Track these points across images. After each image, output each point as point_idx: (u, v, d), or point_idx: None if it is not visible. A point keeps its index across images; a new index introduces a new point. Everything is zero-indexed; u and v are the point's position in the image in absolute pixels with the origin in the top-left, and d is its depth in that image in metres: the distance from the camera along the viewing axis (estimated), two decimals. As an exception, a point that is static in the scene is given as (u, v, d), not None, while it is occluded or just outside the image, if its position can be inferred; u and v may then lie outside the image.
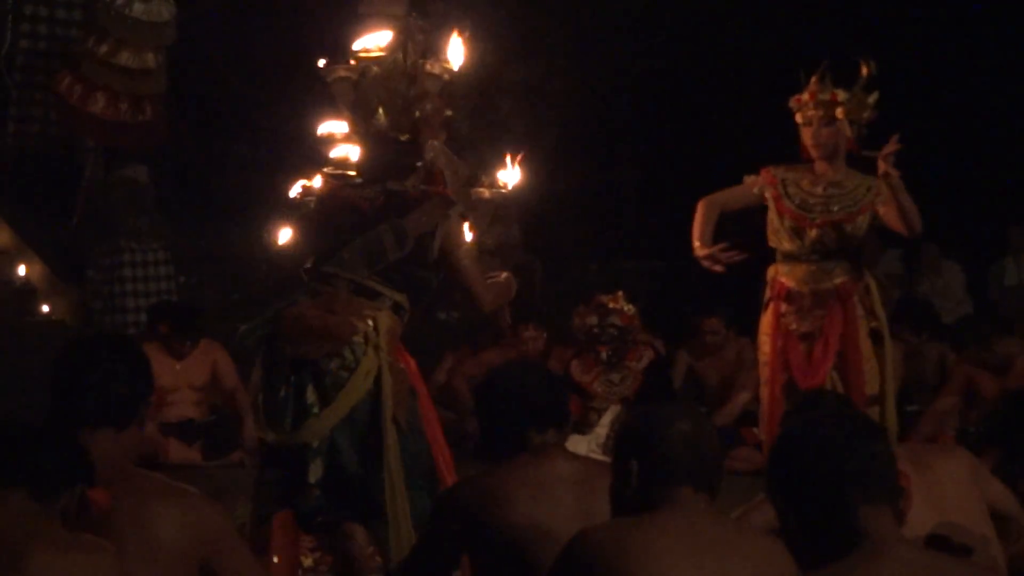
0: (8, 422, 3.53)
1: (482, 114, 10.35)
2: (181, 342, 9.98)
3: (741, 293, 12.89)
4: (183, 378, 10.02)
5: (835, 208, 6.83)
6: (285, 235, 6.73)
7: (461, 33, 6.43)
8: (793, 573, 3.40)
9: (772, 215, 6.92)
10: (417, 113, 6.15)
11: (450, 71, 6.39)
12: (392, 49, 6.37)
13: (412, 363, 6.12)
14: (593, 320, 9.19)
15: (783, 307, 6.89)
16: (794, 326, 6.83)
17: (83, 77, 10.75)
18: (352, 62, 6.80)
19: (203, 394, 10.16)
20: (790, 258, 6.91)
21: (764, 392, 7.09)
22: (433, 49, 6.49)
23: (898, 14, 14.50)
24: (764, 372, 7.07)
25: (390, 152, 6.20)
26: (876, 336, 6.92)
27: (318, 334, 5.88)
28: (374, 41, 6.91)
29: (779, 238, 6.94)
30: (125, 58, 10.62)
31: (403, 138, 6.15)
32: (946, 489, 4.44)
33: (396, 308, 6.01)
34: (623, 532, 3.55)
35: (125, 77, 10.72)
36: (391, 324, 5.95)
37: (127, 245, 11.21)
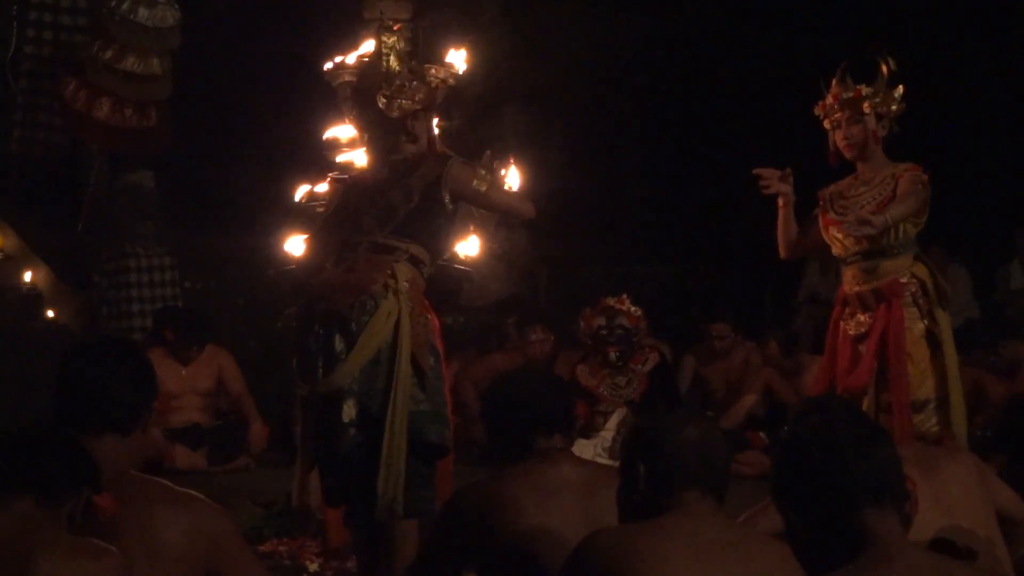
0: (12, 428, 3.52)
1: (488, 118, 10.34)
2: (187, 347, 9.99)
3: (747, 298, 12.91)
4: (189, 383, 10.03)
5: (864, 204, 6.79)
6: (295, 244, 6.81)
7: (465, 38, 6.59)
8: (799, 576, 3.40)
9: (822, 230, 6.92)
10: (378, 99, 6.31)
11: (455, 75, 6.51)
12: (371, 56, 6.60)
13: (435, 321, 6.31)
14: (601, 321, 9.19)
15: (840, 311, 6.87)
16: (852, 331, 6.79)
17: (88, 83, 10.74)
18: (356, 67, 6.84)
19: (209, 399, 10.17)
20: (843, 263, 6.89)
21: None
22: (435, 53, 6.59)
23: (903, 17, 14.49)
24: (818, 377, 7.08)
25: (386, 132, 6.42)
26: (933, 338, 6.79)
27: (341, 290, 6.14)
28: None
29: (834, 248, 6.91)
30: (130, 64, 10.62)
31: (396, 116, 6.33)
32: (952, 492, 4.43)
33: (414, 261, 6.22)
34: (631, 537, 3.54)
35: (130, 83, 10.72)
36: (410, 274, 6.18)
37: (132, 250, 11.22)
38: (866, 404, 6.61)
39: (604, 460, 8.33)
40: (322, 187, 7.04)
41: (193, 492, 3.83)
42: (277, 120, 11.83)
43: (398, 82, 6.39)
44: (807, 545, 3.22)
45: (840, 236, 6.80)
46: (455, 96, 6.75)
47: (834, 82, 6.90)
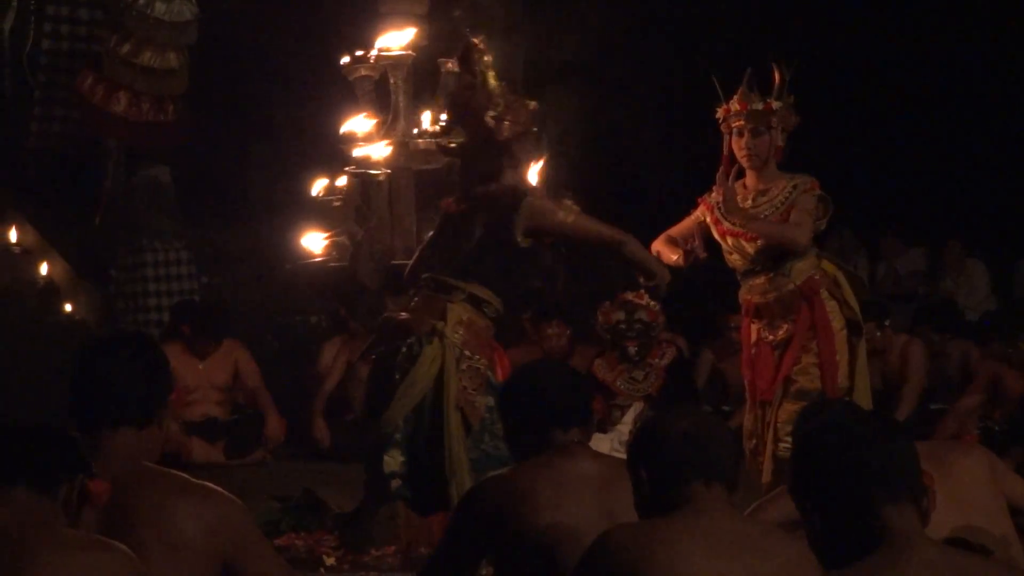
0: (1, 421, 3.52)
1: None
2: (204, 342, 10.01)
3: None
4: (205, 377, 10.04)
5: (766, 214, 6.83)
6: (312, 239, 6.85)
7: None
8: (815, 571, 3.39)
9: (718, 239, 6.95)
10: (487, 120, 6.26)
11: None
12: (457, 63, 6.56)
13: (503, 360, 6.28)
14: (620, 316, 9.17)
15: (755, 323, 6.92)
16: (770, 337, 6.87)
17: (105, 77, 10.77)
18: (373, 60, 6.84)
19: (225, 393, 10.19)
20: (746, 275, 6.95)
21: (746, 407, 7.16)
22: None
23: (923, 12, 14.46)
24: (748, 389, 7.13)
25: (476, 162, 6.39)
26: (854, 327, 6.92)
27: (395, 331, 6.14)
28: (396, 39, 6.94)
29: (730, 259, 6.99)
30: (147, 58, 10.64)
31: (479, 145, 6.28)
32: (965, 487, 4.42)
33: (474, 301, 6.16)
34: (645, 533, 3.54)
35: (147, 77, 10.74)
36: (466, 315, 6.15)
37: (149, 245, 11.23)
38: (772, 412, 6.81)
39: (621, 454, 8.28)
40: (340, 181, 7.05)
41: (210, 484, 3.83)
42: (294, 114, 11.84)
43: (503, 103, 6.32)
44: (825, 540, 3.22)
45: (746, 244, 6.83)
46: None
47: (741, 90, 6.88)
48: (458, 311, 6.10)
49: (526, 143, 6.34)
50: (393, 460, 5.99)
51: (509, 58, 7.62)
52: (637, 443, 3.78)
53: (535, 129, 6.47)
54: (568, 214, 6.26)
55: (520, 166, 6.29)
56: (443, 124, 6.76)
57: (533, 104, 6.55)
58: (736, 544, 3.51)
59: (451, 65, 6.94)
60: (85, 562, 3.26)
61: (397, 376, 6.03)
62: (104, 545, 3.31)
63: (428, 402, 5.98)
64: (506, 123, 6.24)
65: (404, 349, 6.07)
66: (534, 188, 6.44)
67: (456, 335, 6.06)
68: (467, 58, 6.46)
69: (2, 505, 3.33)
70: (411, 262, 6.57)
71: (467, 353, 6.10)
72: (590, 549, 3.59)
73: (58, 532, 3.31)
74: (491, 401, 6.03)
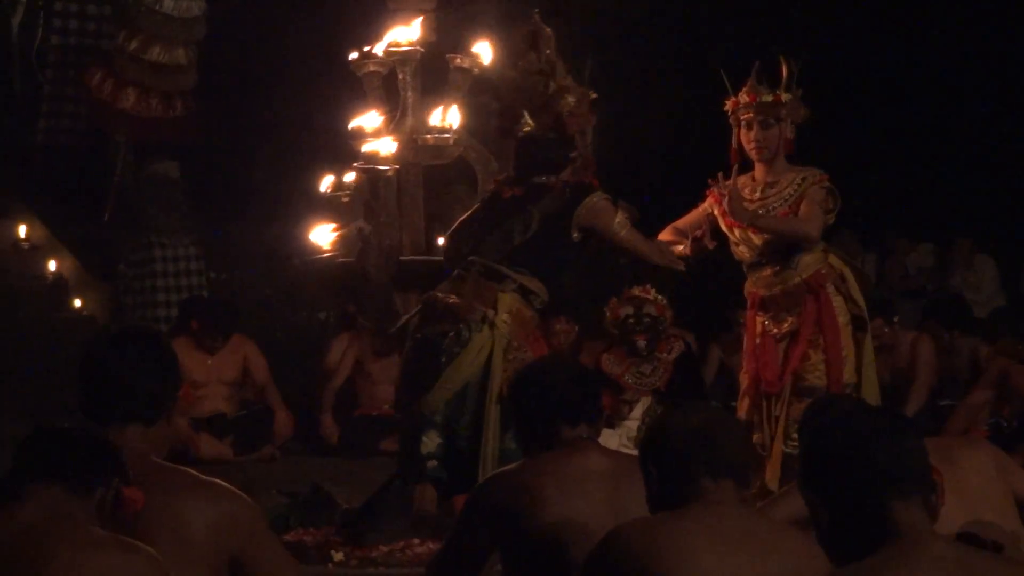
0: (45, 422, 3.53)
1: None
2: (212, 337, 10.02)
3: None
4: (214, 373, 10.06)
5: (775, 206, 6.83)
6: (321, 234, 6.85)
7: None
8: (824, 567, 3.38)
9: (725, 231, 6.94)
10: (560, 108, 6.29)
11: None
12: (525, 50, 6.57)
13: (545, 351, 6.31)
14: (629, 310, 9.19)
15: (760, 316, 6.92)
16: (774, 330, 6.87)
17: (114, 73, 10.78)
18: (382, 56, 6.84)
19: (234, 389, 10.20)
20: (753, 267, 6.95)
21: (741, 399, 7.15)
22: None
23: (930, 6, 14.44)
24: (742, 380, 7.12)
25: (539, 151, 6.44)
26: (860, 322, 6.92)
27: (442, 314, 6.15)
28: (404, 35, 6.93)
29: (737, 251, 6.99)
30: (156, 54, 10.65)
31: (551, 136, 6.30)
32: (972, 483, 4.41)
33: (524, 292, 6.17)
34: (655, 529, 3.54)
35: (156, 73, 10.75)
36: (515, 306, 6.19)
37: (158, 240, 11.24)
38: (779, 406, 6.82)
39: (629, 450, 8.31)
40: (348, 177, 7.05)
41: (218, 480, 3.83)
42: (302, 110, 11.84)
43: (574, 95, 6.36)
44: (833, 536, 3.21)
45: (753, 236, 6.83)
46: None
47: (750, 83, 6.87)
48: (508, 301, 6.15)
49: (587, 136, 6.41)
50: (430, 441, 6.05)
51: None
52: (648, 439, 3.80)
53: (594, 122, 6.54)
54: (622, 227, 6.33)
55: (585, 156, 6.36)
56: (501, 107, 6.75)
57: (594, 95, 6.59)
58: (745, 540, 3.52)
59: (459, 60, 6.93)
60: (110, 562, 3.27)
61: (443, 359, 6.06)
62: (130, 546, 3.32)
63: (473, 390, 6.02)
64: (577, 116, 6.30)
65: (452, 334, 6.10)
66: (599, 185, 6.48)
67: (505, 325, 6.11)
68: (536, 44, 6.50)
69: (37, 500, 3.35)
70: (451, 235, 6.61)
71: (514, 344, 6.15)
72: (599, 546, 3.59)
73: (86, 530, 3.32)
74: None
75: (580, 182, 6.42)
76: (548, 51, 6.56)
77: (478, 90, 6.96)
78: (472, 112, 7.24)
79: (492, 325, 6.10)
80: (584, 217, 6.27)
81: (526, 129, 6.52)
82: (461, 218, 6.75)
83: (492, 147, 7.03)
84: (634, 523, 3.64)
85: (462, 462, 5.98)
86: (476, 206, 6.74)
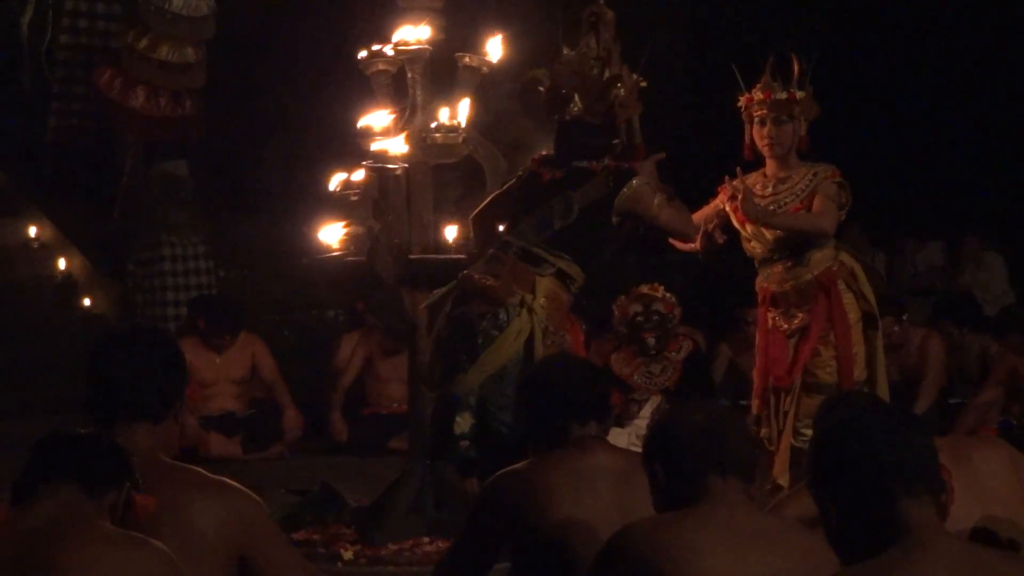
0: (59, 426, 3.55)
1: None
2: (221, 336, 10.03)
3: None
4: (223, 371, 10.07)
5: (786, 202, 6.83)
6: (330, 233, 6.84)
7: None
8: (833, 566, 3.38)
9: (737, 226, 6.95)
10: (612, 97, 6.30)
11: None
12: (586, 31, 6.58)
13: (580, 336, 6.31)
14: (637, 308, 9.19)
15: (770, 312, 6.93)
16: (784, 326, 6.87)
17: (123, 72, 10.79)
18: (392, 54, 6.83)
19: (243, 387, 10.21)
20: (764, 262, 6.96)
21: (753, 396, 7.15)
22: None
23: (940, 4, 14.44)
24: (755, 377, 7.12)
25: (583, 136, 6.47)
26: (870, 319, 6.92)
27: (478, 295, 6.16)
28: (413, 33, 6.93)
29: (749, 246, 7.00)
30: (165, 52, 10.66)
31: (596, 122, 6.31)
32: (986, 481, 4.40)
33: (561, 276, 6.20)
34: (664, 529, 3.54)
35: (165, 71, 10.75)
36: (553, 290, 6.20)
37: (167, 239, 11.25)
38: (789, 401, 6.82)
39: (638, 448, 8.30)
40: (357, 176, 7.05)
41: (226, 479, 3.83)
42: (311, 109, 11.85)
43: (625, 89, 6.36)
44: (842, 534, 3.21)
45: (765, 231, 6.83)
46: None
47: (764, 79, 6.87)
48: (546, 285, 6.16)
49: (635, 123, 6.43)
50: (464, 422, 6.06)
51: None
52: (652, 438, 3.79)
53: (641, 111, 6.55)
54: (660, 208, 6.33)
55: (620, 145, 6.37)
56: (546, 91, 6.70)
57: (644, 83, 6.60)
58: (755, 539, 3.51)
59: (468, 59, 6.93)
60: (124, 557, 3.28)
61: (480, 340, 6.07)
62: (143, 542, 3.32)
63: (511, 373, 6.02)
64: (627, 106, 6.31)
65: (490, 316, 6.10)
66: (641, 168, 6.49)
67: (543, 310, 6.12)
68: (596, 27, 6.50)
69: (51, 497, 3.36)
70: (481, 212, 6.63)
71: (551, 328, 6.16)
72: (607, 545, 3.59)
73: (99, 526, 3.33)
74: None
75: (620, 167, 6.42)
76: (607, 35, 6.57)
77: (526, 70, 6.95)
78: (483, 107, 7.24)
79: (530, 310, 6.11)
80: (624, 203, 6.28)
81: (575, 110, 6.52)
82: (492, 194, 6.74)
83: (539, 125, 7.05)
84: (643, 522, 3.64)
85: (495, 444, 5.98)
86: (510, 183, 6.73)
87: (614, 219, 6.34)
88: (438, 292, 6.52)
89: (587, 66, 6.57)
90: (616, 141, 6.54)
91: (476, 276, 6.24)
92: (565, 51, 6.64)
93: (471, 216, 6.80)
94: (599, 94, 6.47)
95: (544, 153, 6.74)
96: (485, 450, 6.03)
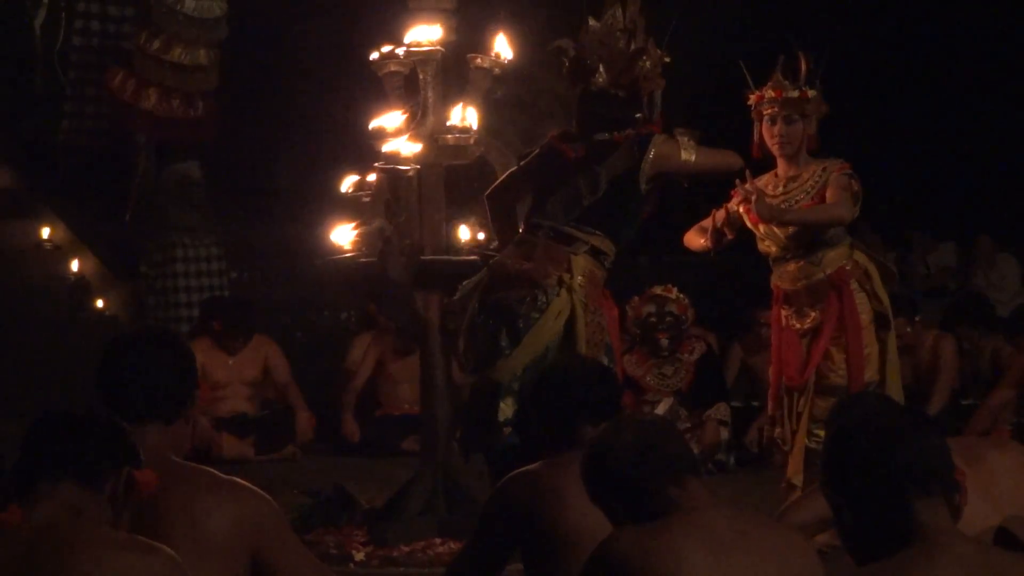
0: (47, 412, 3.52)
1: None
2: (233, 337, 10.04)
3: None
4: (236, 373, 10.08)
5: (798, 199, 6.83)
6: (342, 234, 6.83)
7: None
8: (816, 565, 3.38)
9: (750, 227, 6.94)
10: (637, 69, 6.29)
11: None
12: (608, 6, 6.58)
13: (615, 311, 6.29)
14: (650, 309, 9.20)
15: (784, 310, 6.92)
16: (797, 325, 6.87)
17: (135, 73, 10.81)
18: (403, 56, 6.83)
19: (255, 389, 10.22)
20: (778, 261, 6.96)
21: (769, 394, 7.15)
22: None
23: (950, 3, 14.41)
24: (771, 375, 7.12)
25: (606, 108, 6.46)
26: (883, 320, 6.92)
27: (514, 279, 6.16)
28: (425, 34, 6.93)
29: (763, 246, 7.00)
30: (177, 54, 10.68)
31: (620, 94, 6.29)
32: (1000, 483, 4.39)
33: (595, 253, 6.20)
34: (645, 540, 3.46)
35: (177, 73, 10.78)
36: (588, 267, 6.20)
37: (180, 240, 11.27)
38: (802, 402, 6.81)
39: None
40: (370, 177, 7.05)
41: (239, 480, 3.83)
42: (323, 110, 11.86)
43: (650, 62, 6.35)
44: (856, 535, 3.20)
45: (778, 230, 6.82)
46: None
47: (775, 77, 6.86)
48: (581, 263, 6.14)
49: (656, 98, 6.42)
50: (508, 408, 6.04)
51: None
52: (591, 475, 3.70)
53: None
54: (689, 153, 6.31)
55: (642, 119, 6.36)
56: (573, 62, 6.67)
57: (668, 59, 6.60)
58: (736, 540, 3.46)
59: (480, 60, 6.93)
60: (129, 562, 3.25)
61: (521, 324, 6.05)
62: (149, 547, 3.29)
63: (553, 354, 6.00)
64: (651, 80, 6.30)
65: (529, 299, 6.09)
66: (655, 129, 6.49)
67: (581, 288, 6.11)
68: (623, 1, 6.49)
69: (50, 499, 3.32)
70: (498, 190, 6.62)
71: (590, 307, 6.15)
72: (593, 555, 3.54)
73: (104, 531, 3.31)
74: (606, 362, 6.04)
75: (639, 133, 6.41)
76: (633, 8, 6.56)
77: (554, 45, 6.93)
78: (493, 111, 7.24)
79: (570, 289, 6.09)
80: (653, 166, 6.26)
81: (600, 81, 6.50)
82: (509, 171, 6.72)
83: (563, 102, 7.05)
84: (623, 533, 3.55)
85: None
86: (528, 160, 6.71)
87: (643, 186, 6.30)
88: (468, 283, 6.51)
89: (613, 37, 6.56)
90: (639, 115, 6.52)
91: (509, 262, 6.22)
92: (591, 21, 6.63)
93: (486, 194, 6.78)
94: (625, 66, 6.46)
95: (563, 130, 6.73)
96: (527, 436, 6.00)
